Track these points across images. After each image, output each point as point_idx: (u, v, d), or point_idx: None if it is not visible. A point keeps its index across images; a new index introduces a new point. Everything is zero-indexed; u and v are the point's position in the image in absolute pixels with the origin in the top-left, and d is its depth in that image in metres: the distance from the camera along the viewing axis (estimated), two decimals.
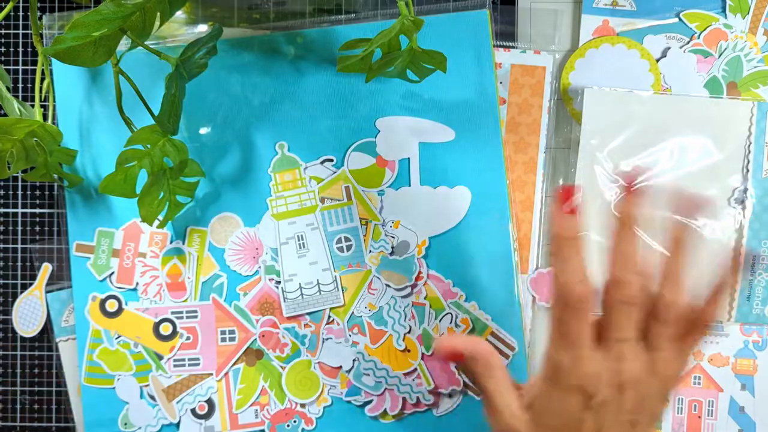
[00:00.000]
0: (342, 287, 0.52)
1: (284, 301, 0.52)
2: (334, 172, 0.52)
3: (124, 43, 0.46)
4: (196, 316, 0.52)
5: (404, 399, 0.52)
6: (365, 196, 0.52)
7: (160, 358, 0.52)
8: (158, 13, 0.42)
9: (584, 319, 0.38)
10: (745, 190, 0.53)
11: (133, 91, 0.48)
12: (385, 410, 0.52)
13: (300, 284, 0.52)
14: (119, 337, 0.52)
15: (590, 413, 0.37)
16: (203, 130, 0.53)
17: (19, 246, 0.55)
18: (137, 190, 0.47)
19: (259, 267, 0.52)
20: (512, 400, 0.41)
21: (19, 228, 0.55)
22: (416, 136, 0.52)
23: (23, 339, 0.55)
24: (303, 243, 0.52)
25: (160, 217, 0.48)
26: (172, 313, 0.52)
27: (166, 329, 0.52)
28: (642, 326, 0.39)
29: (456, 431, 0.52)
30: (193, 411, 0.52)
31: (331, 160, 0.52)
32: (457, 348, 0.41)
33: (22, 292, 0.55)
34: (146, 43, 0.44)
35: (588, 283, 0.39)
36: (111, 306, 0.52)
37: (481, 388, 0.42)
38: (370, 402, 0.52)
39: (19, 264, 0.55)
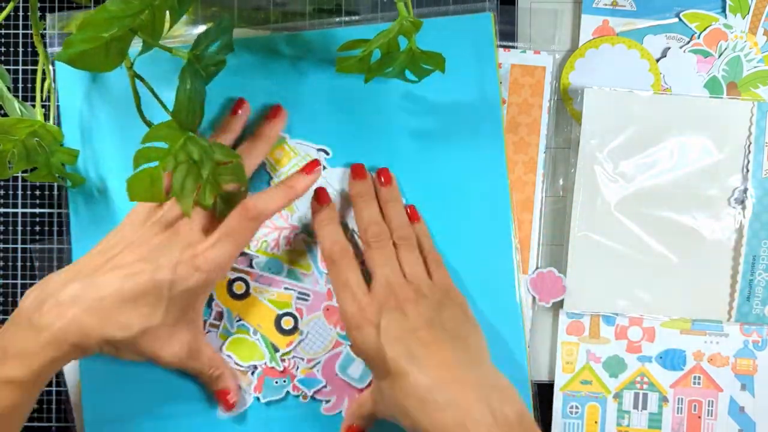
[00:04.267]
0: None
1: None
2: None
3: (135, 46, 0.45)
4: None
5: None
6: None
7: (276, 350, 0.53)
8: (167, 12, 0.41)
9: (353, 267, 0.48)
10: (745, 190, 0.53)
11: (132, 92, 0.47)
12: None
13: None
14: (240, 320, 0.53)
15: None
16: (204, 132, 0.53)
17: (19, 246, 0.55)
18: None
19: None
20: (362, 397, 0.50)
21: (19, 228, 0.55)
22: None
23: None
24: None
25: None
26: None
27: (288, 323, 0.53)
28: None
29: None
30: None
31: (327, 153, 0.53)
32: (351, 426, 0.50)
33: (22, 292, 0.55)
34: None
35: (343, 241, 0.50)
36: (239, 288, 0.53)
37: (371, 421, 0.50)
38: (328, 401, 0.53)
39: (19, 264, 0.55)
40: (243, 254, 0.53)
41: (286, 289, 0.53)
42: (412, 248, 0.50)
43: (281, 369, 0.52)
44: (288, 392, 0.52)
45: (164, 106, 0.45)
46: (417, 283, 0.48)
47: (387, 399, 0.45)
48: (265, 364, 0.52)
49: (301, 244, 0.53)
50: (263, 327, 0.53)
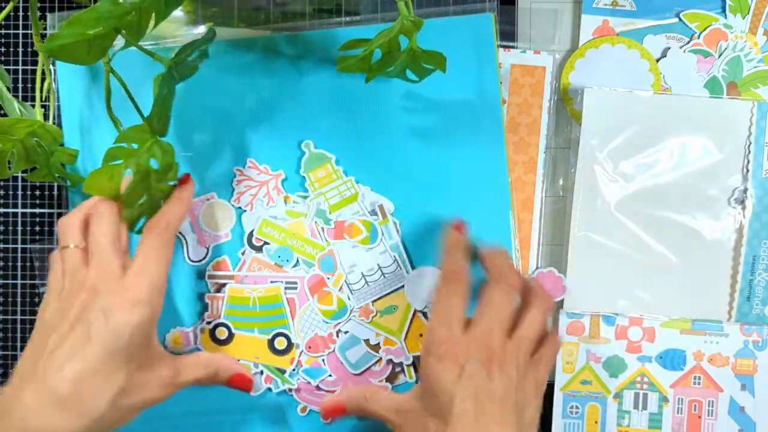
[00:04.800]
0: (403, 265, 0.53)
1: (351, 293, 0.52)
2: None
3: (118, 42, 0.45)
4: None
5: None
6: None
7: (283, 372, 0.53)
8: (153, 13, 0.41)
9: (462, 295, 0.47)
10: (745, 190, 0.53)
11: (105, 87, 0.47)
12: None
13: (362, 273, 0.52)
14: (238, 360, 0.52)
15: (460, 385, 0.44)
16: (199, 134, 0.53)
17: (19, 246, 0.55)
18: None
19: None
20: (397, 398, 0.48)
21: (19, 228, 0.55)
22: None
23: (23, 339, 0.55)
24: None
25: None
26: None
27: (281, 343, 0.53)
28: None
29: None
30: None
31: (305, 197, 0.53)
32: (338, 403, 0.49)
33: (22, 292, 0.55)
34: (146, 42, 0.44)
35: (466, 269, 0.48)
36: (221, 333, 0.53)
37: (375, 416, 0.48)
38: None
39: (19, 264, 0.55)
40: (252, 247, 0.53)
41: (272, 282, 0.53)
42: (542, 315, 0.47)
43: (295, 387, 0.53)
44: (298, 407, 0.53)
45: (138, 109, 0.45)
46: (517, 349, 0.45)
47: (419, 423, 0.45)
48: (278, 387, 0.53)
49: (306, 229, 0.53)
50: (261, 356, 0.53)
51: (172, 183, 0.48)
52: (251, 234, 0.52)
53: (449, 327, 0.45)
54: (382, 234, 0.52)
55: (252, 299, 0.53)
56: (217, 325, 0.53)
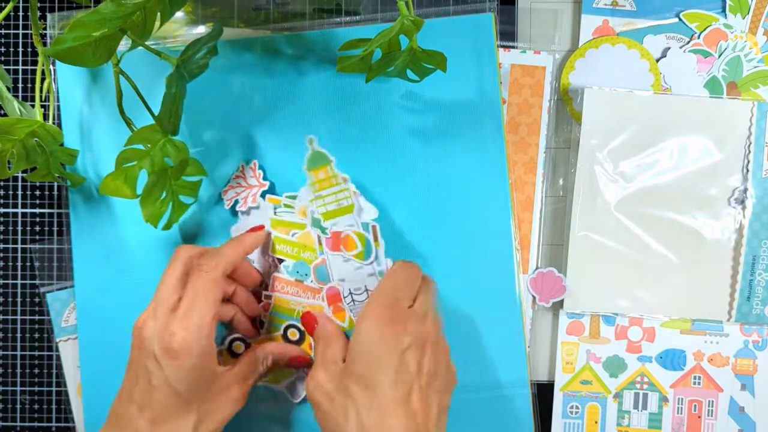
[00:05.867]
0: None
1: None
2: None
3: (124, 43, 0.46)
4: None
5: None
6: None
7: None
8: (158, 13, 0.42)
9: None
10: (745, 190, 0.53)
11: (133, 90, 0.48)
12: None
13: (350, 290, 0.51)
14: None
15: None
16: (205, 132, 0.53)
17: (19, 246, 0.55)
18: (138, 190, 0.46)
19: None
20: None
21: (19, 228, 0.55)
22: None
23: (23, 339, 0.55)
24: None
25: (165, 220, 0.48)
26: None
27: (293, 335, 0.52)
28: None
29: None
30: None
31: (293, 197, 0.52)
32: (316, 317, 0.50)
33: (22, 292, 0.55)
34: (147, 43, 0.44)
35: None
36: (237, 348, 0.52)
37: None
38: None
39: (19, 264, 0.55)
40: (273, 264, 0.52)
41: (312, 299, 0.52)
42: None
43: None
44: None
45: (149, 109, 0.46)
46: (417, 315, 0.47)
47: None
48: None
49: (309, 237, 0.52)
50: None
51: (189, 179, 0.49)
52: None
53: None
54: (375, 254, 0.51)
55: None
56: (233, 340, 0.52)
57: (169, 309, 0.44)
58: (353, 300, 0.51)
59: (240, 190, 0.52)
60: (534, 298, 0.53)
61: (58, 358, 0.54)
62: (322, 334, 0.48)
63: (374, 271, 0.51)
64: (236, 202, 0.52)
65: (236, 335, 0.52)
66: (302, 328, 0.52)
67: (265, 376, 0.50)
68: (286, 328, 0.52)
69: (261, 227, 0.51)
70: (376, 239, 0.51)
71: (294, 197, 0.52)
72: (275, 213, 0.52)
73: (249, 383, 0.48)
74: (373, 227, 0.51)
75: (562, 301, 0.53)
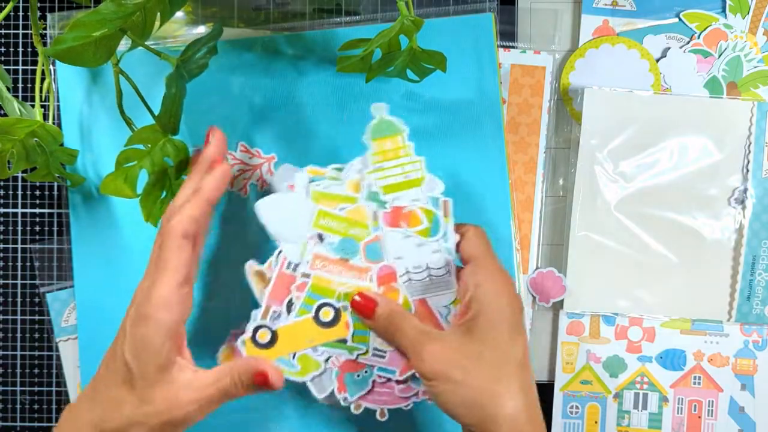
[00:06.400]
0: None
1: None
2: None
3: (124, 43, 0.46)
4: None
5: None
6: None
7: (344, 341, 0.46)
8: (158, 13, 0.42)
9: None
10: (745, 190, 0.53)
11: (133, 90, 0.48)
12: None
13: (407, 269, 0.46)
14: (295, 355, 0.46)
15: None
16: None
17: (19, 246, 0.55)
18: (138, 190, 0.47)
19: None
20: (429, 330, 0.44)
21: (19, 228, 0.55)
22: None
23: (23, 339, 0.55)
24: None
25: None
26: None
27: (327, 314, 0.46)
28: None
29: None
30: None
31: (340, 169, 0.48)
32: (374, 299, 0.45)
33: (22, 292, 0.55)
34: (147, 43, 0.44)
35: None
36: (263, 336, 0.46)
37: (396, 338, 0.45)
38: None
39: (19, 264, 0.55)
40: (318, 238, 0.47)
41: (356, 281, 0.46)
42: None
43: (363, 350, 0.46)
44: (374, 381, 0.46)
45: (149, 109, 0.46)
46: None
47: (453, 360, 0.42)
48: (344, 357, 0.46)
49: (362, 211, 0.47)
50: (315, 338, 0.46)
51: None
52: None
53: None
54: (444, 231, 0.46)
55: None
56: (257, 328, 0.46)
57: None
58: (410, 279, 0.46)
59: (247, 174, 0.52)
60: (534, 298, 0.53)
61: (58, 358, 0.54)
62: (397, 310, 0.44)
63: (440, 248, 0.46)
64: (252, 186, 0.51)
65: (262, 322, 0.46)
66: (339, 306, 0.46)
67: (231, 397, 0.43)
68: (319, 307, 0.46)
69: (219, 160, 0.45)
70: (446, 215, 0.46)
71: (340, 169, 0.47)
72: (317, 185, 0.47)
73: (210, 394, 0.42)
74: (444, 202, 0.46)
75: (562, 301, 0.53)
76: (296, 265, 0.46)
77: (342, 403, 0.46)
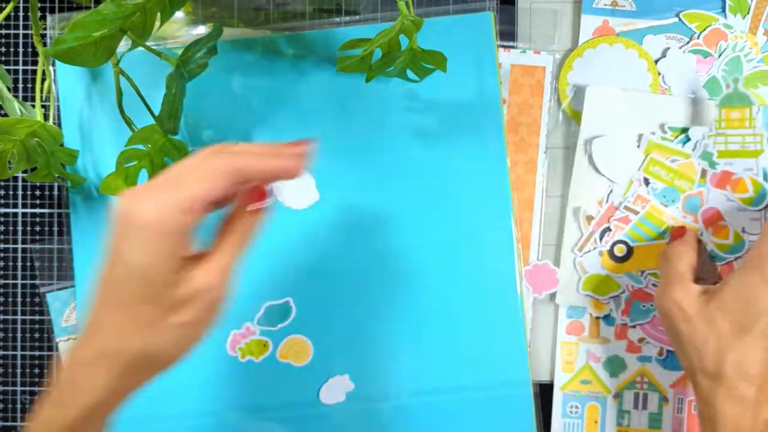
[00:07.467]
0: None
1: None
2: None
3: (124, 44, 0.46)
4: None
5: None
6: None
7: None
8: (158, 13, 0.42)
9: None
10: None
11: (134, 90, 0.48)
12: None
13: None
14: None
15: None
16: (205, 131, 0.53)
17: (19, 246, 0.55)
18: None
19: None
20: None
21: (19, 228, 0.55)
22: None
23: (23, 339, 0.55)
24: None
25: None
26: None
27: (620, 250, 0.52)
28: None
29: None
30: None
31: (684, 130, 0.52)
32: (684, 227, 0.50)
33: (22, 292, 0.55)
34: (147, 43, 0.44)
35: None
36: (620, 250, 0.52)
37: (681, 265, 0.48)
38: None
39: (19, 264, 0.55)
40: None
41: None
42: None
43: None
44: (656, 316, 0.52)
45: (149, 109, 0.46)
46: None
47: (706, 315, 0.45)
48: (638, 286, 0.52)
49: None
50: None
51: None
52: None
53: None
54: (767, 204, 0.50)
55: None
56: (616, 243, 0.52)
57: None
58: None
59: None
60: (534, 298, 0.53)
61: (58, 358, 0.54)
62: (677, 247, 0.49)
63: (760, 216, 0.51)
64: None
65: (618, 237, 0.52)
66: (633, 245, 0.51)
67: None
68: (615, 243, 0.52)
69: (299, 152, 0.38)
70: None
71: (685, 130, 0.51)
72: (653, 134, 0.51)
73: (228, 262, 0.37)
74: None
75: (554, 293, 0.53)
76: (620, 202, 0.52)
77: (619, 323, 0.52)
